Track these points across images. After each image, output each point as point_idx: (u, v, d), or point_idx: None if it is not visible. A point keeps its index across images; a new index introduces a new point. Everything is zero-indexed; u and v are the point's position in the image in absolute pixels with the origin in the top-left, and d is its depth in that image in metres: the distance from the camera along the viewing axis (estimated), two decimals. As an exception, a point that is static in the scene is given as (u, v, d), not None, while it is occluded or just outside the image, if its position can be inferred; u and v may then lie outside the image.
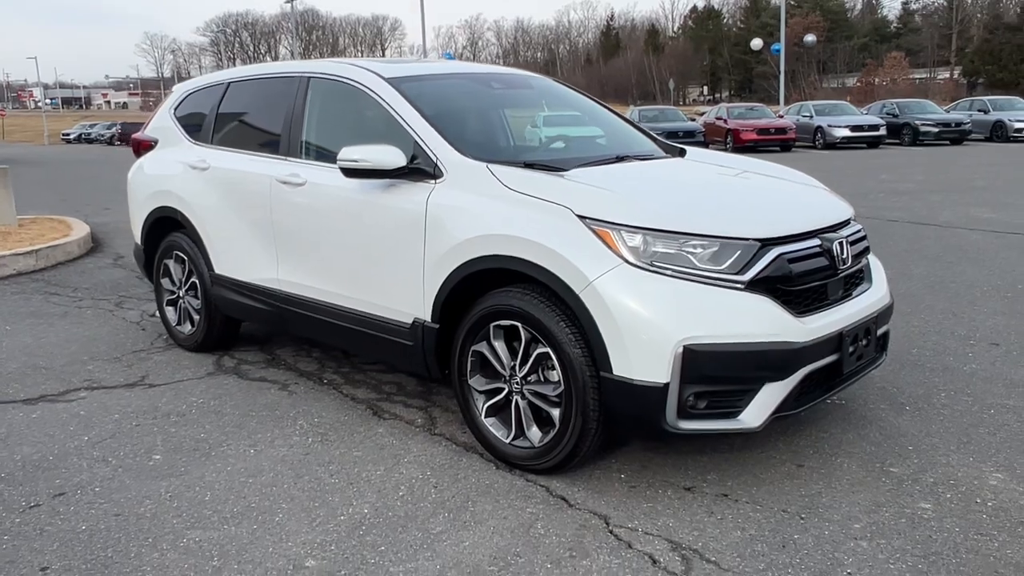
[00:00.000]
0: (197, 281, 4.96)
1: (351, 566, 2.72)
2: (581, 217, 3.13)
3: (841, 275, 3.37)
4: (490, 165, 3.51)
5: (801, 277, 3.15)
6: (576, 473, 3.33)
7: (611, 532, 2.91)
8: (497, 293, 3.35)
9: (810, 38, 47.97)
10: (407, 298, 3.71)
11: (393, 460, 3.53)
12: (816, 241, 3.29)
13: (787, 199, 3.73)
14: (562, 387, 3.15)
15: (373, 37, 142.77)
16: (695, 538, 2.84)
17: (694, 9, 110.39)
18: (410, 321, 3.71)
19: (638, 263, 3.01)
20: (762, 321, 3.01)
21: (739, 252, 3.05)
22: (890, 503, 3.06)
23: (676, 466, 3.41)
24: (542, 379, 3.30)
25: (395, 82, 4.04)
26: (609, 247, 3.05)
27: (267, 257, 4.46)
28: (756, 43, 47.95)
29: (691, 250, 3.04)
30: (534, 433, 3.32)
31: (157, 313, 5.48)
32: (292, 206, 4.26)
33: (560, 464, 3.25)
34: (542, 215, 3.23)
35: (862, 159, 21.43)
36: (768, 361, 3.01)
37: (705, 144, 24.74)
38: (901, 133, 26.42)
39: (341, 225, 4.01)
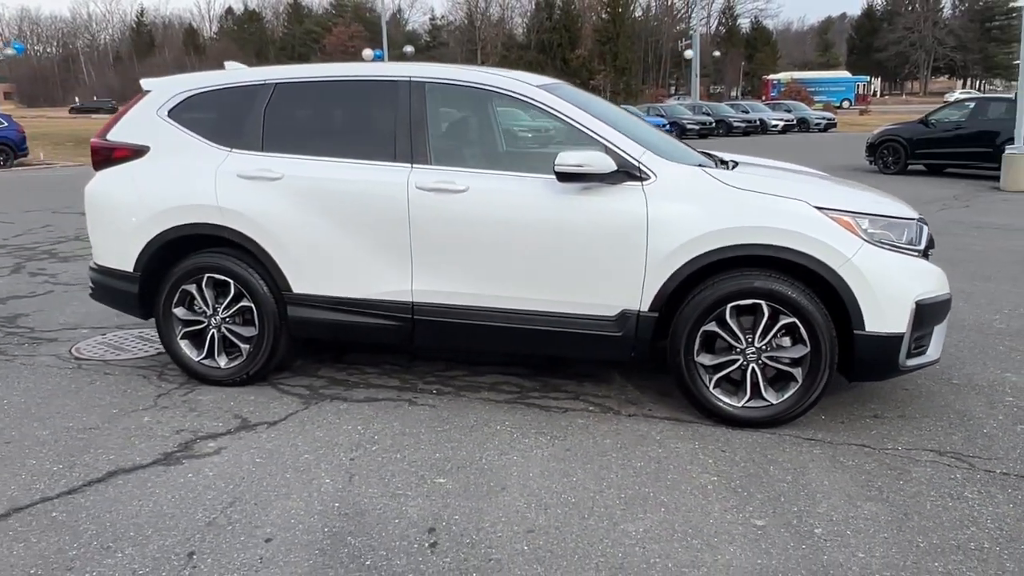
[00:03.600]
0: (253, 304, 4.22)
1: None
2: (819, 208, 3.62)
3: None
4: (704, 168, 3.77)
5: (932, 246, 4.04)
6: (808, 421, 3.84)
7: (886, 452, 3.52)
8: (729, 278, 3.70)
9: (369, 51, 50.18)
10: (618, 292, 3.82)
11: (646, 446, 3.69)
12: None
13: (866, 189, 4.56)
14: (808, 349, 3.62)
15: None
16: (939, 443, 3.60)
17: (229, 11, 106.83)
18: (614, 313, 3.81)
19: (871, 242, 3.62)
20: (939, 279, 3.88)
21: (915, 229, 3.85)
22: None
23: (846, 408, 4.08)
24: (774, 347, 3.71)
25: (550, 88, 3.99)
26: (849, 231, 3.61)
27: (396, 269, 4.05)
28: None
29: (890, 230, 3.73)
30: (771, 394, 3.73)
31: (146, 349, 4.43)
32: (445, 213, 3.99)
33: (799, 415, 3.73)
34: (780, 207, 3.64)
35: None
36: (944, 308, 3.92)
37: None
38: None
39: (528, 229, 3.91)
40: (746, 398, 3.84)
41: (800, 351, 3.75)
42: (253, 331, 4.33)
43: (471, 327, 4.09)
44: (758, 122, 35.25)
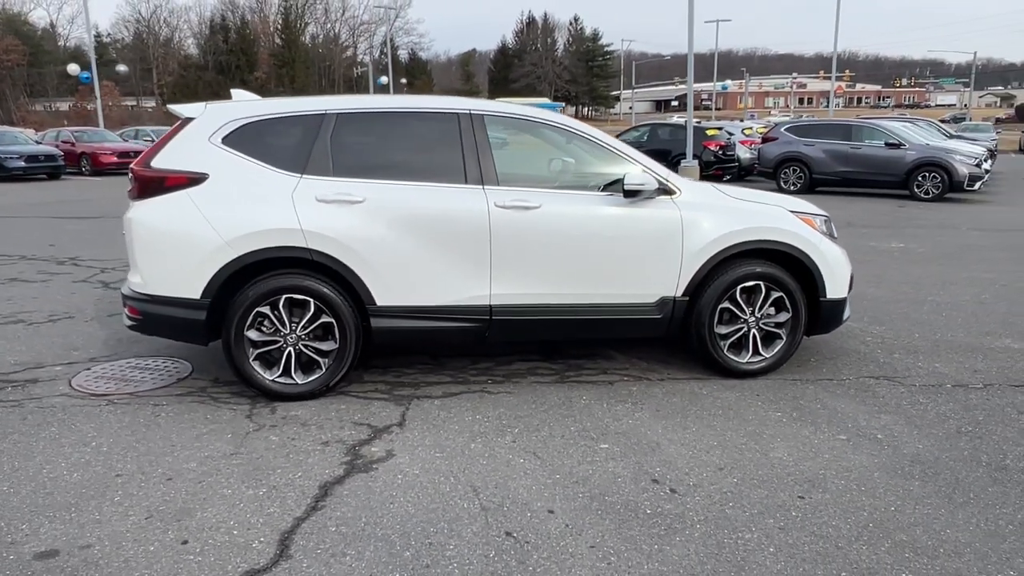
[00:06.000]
0: (333, 319, 4.23)
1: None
2: (792, 211, 4.75)
3: None
4: (713, 184, 4.70)
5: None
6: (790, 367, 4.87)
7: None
8: (738, 266, 4.62)
9: (76, 67, 43.97)
10: (659, 283, 4.56)
11: (706, 399, 4.48)
12: None
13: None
14: (790, 315, 4.72)
15: None
16: (872, 371, 4.88)
17: None
18: (655, 300, 4.58)
19: (824, 234, 4.83)
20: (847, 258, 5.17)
21: (831, 225, 5.11)
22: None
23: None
24: (772, 314, 4.74)
25: (581, 123, 4.63)
26: (812, 227, 4.77)
27: (476, 278, 4.34)
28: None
29: (826, 225, 4.97)
30: (766, 351, 4.75)
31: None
32: (522, 227, 4.34)
33: (782, 364, 4.80)
34: (770, 212, 4.70)
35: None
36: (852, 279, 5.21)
37: (64, 168, 22.18)
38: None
39: (590, 236, 4.44)
40: (749, 355, 4.78)
41: (784, 317, 4.71)
42: (333, 345, 4.30)
43: (539, 322, 4.48)
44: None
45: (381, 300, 4.29)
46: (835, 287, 4.79)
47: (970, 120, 43.40)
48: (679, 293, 4.61)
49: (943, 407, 4.28)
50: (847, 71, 77.79)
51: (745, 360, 4.75)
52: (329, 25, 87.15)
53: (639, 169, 4.52)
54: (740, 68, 78.88)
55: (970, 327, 5.96)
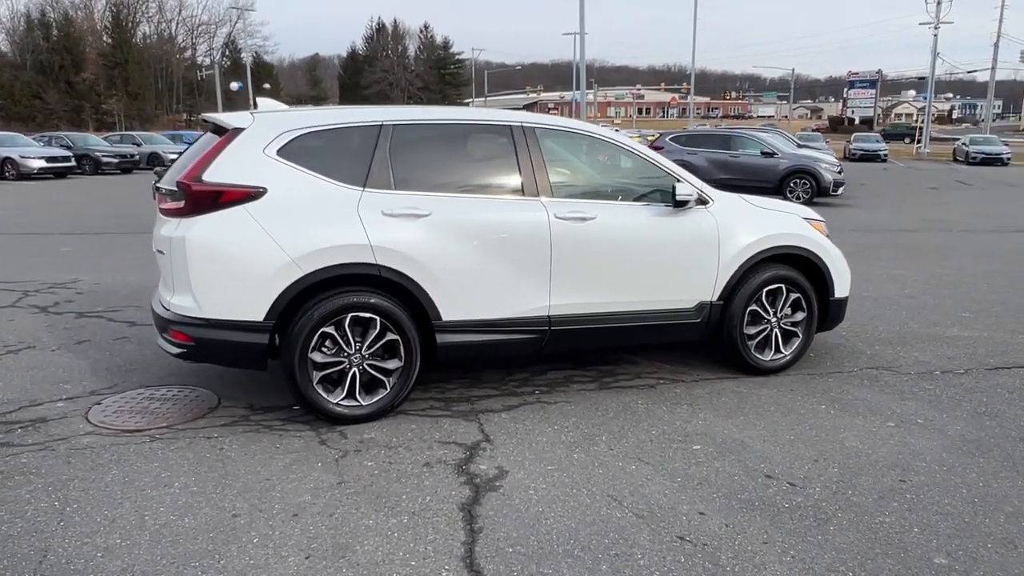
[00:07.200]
0: (398, 336, 4.08)
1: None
2: (805, 218, 5.11)
3: None
4: (742, 195, 4.97)
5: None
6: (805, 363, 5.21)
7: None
8: (763, 269, 4.91)
9: None
10: (699, 288, 4.76)
11: (747, 395, 4.72)
12: None
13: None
14: (806, 314, 5.07)
15: None
16: (871, 362, 5.33)
17: None
18: (692, 305, 4.77)
19: (830, 237, 5.22)
20: None
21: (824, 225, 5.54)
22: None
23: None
24: (787, 312, 5.06)
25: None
26: (821, 232, 5.15)
27: (536, 289, 4.33)
28: None
29: (827, 229, 5.38)
30: (786, 348, 5.07)
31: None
32: (579, 238, 4.39)
33: (798, 360, 5.14)
34: (786, 218, 5.02)
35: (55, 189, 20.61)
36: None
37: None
38: (81, 163, 25.59)
39: (640, 245, 4.57)
40: (772, 353, 5.13)
41: (800, 316, 5.08)
42: (398, 363, 4.15)
43: (593, 331, 4.53)
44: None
45: (447, 315, 4.19)
46: (841, 287, 5.21)
47: (776, 129, 47.48)
48: (715, 297, 4.83)
49: (949, 392, 4.77)
50: (684, 84, 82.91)
51: (769, 358, 5.05)
52: (164, 24, 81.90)
53: (686, 180, 4.71)
54: (590, 80, 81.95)
55: (918, 319, 6.64)
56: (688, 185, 4.65)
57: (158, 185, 4.30)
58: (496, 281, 4.28)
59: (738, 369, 5.05)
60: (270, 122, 4.07)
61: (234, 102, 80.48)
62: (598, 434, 4.03)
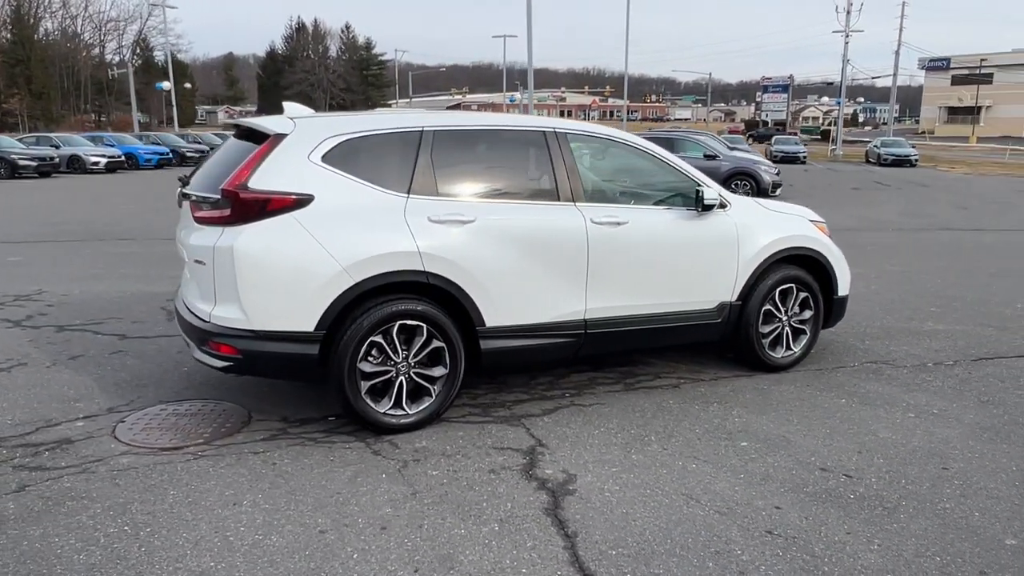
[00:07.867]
0: (443, 343, 4.04)
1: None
2: (811, 220, 5.32)
3: None
4: (752, 198, 5.11)
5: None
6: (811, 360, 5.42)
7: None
8: (777, 270, 5.09)
9: None
10: (720, 289, 4.90)
11: (769, 392, 4.88)
12: None
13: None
14: (813, 312, 5.28)
15: None
16: (870, 356, 5.59)
17: None
18: (714, 306, 4.91)
19: (830, 238, 5.45)
20: None
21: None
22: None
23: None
24: (796, 310, 5.26)
25: (651, 140, 4.80)
26: (824, 233, 5.37)
27: (573, 294, 4.37)
28: None
29: (828, 229, 5.62)
30: (796, 346, 5.26)
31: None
32: (614, 242, 4.45)
33: (805, 357, 5.34)
34: (796, 220, 5.22)
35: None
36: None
37: None
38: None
39: (670, 248, 4.68)
40: (784, 350, 5.31)
41: (808, 314, 5.30)
42: (443, 371, 4.10)
43: (624, 333, 4.61)
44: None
45: (491, 321, 4.19)
46: (843, 286, 5.45)
47: (709, 132, 49.04)
48: (734, 298, 4.98)
49: (949, 383, 5.06)
50: (608, 87, 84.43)
51: (780, 355, 5.24)
52: (68, 21, 77.86)
53: (710, 185, 4.83)
54: (515, 81, 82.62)
55: (892, 314, 6.99)
56: (712, 190, 4.79)
57: (185, 191, 4.14)
58: (536, 286, 4.30)
59: (750, 366, 5.21)
60: (313, 128, 3.97)
61: (148, 103, 77.19)
62: (646, 435, 4.10)
